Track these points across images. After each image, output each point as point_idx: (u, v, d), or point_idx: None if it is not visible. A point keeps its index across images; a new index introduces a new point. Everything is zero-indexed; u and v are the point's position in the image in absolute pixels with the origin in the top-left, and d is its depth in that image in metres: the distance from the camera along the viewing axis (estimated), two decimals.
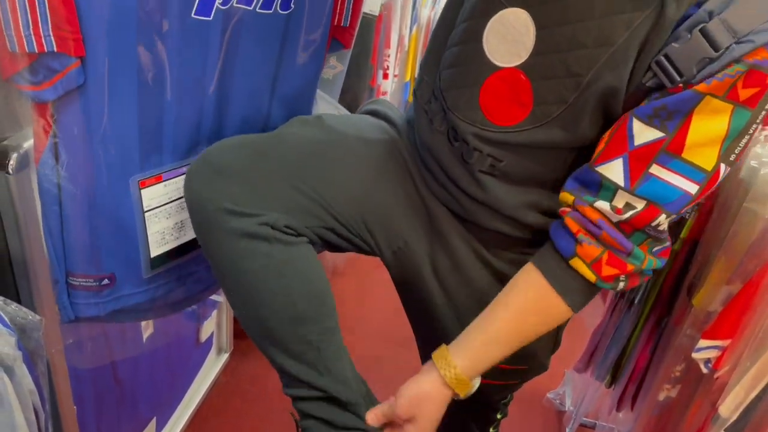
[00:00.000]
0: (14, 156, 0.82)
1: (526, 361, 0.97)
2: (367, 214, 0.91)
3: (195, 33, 0.86)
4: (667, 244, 0.80)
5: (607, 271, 0.77)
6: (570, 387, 1.91)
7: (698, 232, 1.17)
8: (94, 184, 0.86)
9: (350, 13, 1.07)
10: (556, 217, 0.82)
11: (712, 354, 1.05)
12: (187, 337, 1.68)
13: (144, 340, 1.37)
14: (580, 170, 0.79)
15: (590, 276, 0.78)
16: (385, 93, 2.01)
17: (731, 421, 1.00)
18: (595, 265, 0.78)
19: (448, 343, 0.85)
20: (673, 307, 1.24)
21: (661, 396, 1.24)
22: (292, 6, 0.95)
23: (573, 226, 0.78)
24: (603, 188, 0.76)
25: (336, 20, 1.05)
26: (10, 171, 0.82)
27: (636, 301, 1.35)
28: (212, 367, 1.87)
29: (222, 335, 1.89)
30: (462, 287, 0.93)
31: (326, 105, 1.21)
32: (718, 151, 0.70)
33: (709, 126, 0.69)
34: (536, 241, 0.86)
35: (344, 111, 1.25)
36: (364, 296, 2.35)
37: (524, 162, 0.83)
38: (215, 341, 1.87)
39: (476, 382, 0.85)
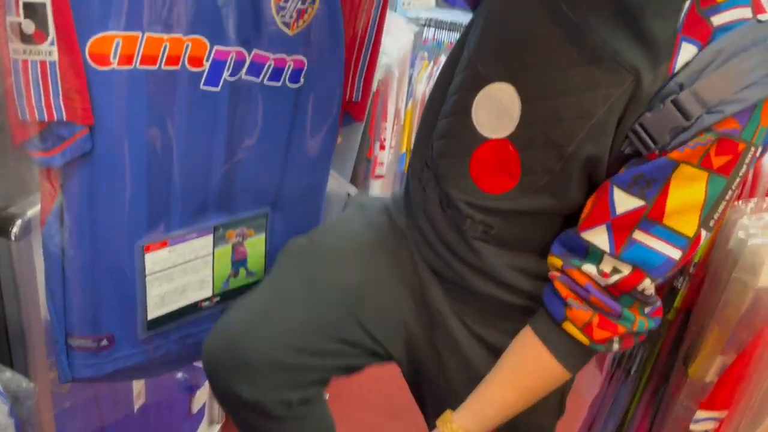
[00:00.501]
0: (18, 222, 0.84)
1: (532, 428, 0.97)
2: (362, 318, 0.95)
3: (203, 103, 0.89)
4: (658, 304, 0.82)
5: (599, 334, 0.79)
6: None
7: (691, 302, 1.18)
8: (98, 248, 0.88)
9: (361, 88, 1.07)
10: (549, 281, 0.84)
11: (710, 426, 1.04)
12: (178, 407, 1.65)
13: (135, 409, 1.34)
14: (565, 235, 0.81)
15: (583, 339, 0.80)
16: (381, 164, 2.06)
17: None
18: (586, 328, 0.79)
19: None
20: (670, 377, 1.23)
21: None
22: (302, 81, 0.97)
23: (563, 290, 0.80)
24: (590, 253, 0.78)
25: (348, 95, 1.06)
26: (13, 237, 0.84)
27: (633, 371, 1.34)
28: None
29: (214, 406, 1.86)
30: (462, 370, 0.94)
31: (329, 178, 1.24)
32: (698, 218, 0.73)
33: (687, 193, 0.72)
34: (530, 308, 0.87)
35: (345, 183, 1.28)
36: None
37: (515, 228, 0.85)
38: (207, 412, 1.84)
39: None
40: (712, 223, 0.74)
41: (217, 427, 1.88)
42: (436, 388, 0.99)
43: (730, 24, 0.72)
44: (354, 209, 1.08)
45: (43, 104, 0.78)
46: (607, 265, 0.76)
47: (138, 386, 1.31)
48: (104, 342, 0.95)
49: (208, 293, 1.08)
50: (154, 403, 1.42)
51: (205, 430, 1.85)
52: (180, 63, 0.85)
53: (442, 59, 0.94)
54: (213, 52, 0.87)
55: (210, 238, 1.03)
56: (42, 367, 0.92)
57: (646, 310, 0.80)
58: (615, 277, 0.76)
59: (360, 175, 1.99)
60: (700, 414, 1.03)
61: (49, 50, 0.76)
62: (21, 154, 0.82)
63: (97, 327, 0.94)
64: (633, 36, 0.73)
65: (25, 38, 0.75)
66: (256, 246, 1.11)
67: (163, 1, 0.81)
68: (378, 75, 1.87)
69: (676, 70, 0.72)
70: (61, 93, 0.78)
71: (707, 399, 1.03)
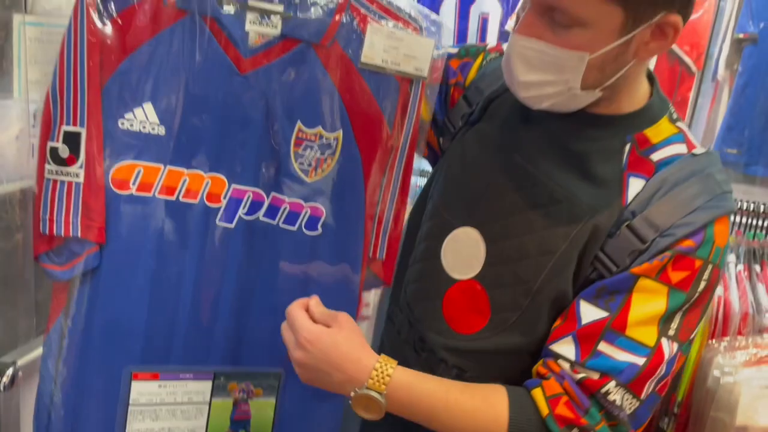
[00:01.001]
0: (8, 373, 0.87)
1: None
2: None
3: (217, 239, 0.92)
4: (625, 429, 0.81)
5: (562, 410, 0.79)
6: None
7: None
8: (87, 366, 0.89)
9: (386, 246, 1.03)
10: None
11: None
12: None
13: None
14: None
15: (543, 408, 0.79)
16: (367, 305, 1.99)
17: None
18: (552, 400, 0.79)
19: None
20: None
21: None
22: (320, 229, 0.97)
23: (542, 371, 0.82)
24: (558, 356, 0.81)
25: (372, 252, 1.03)
26: (2, 388, 0.87)
27: None
28: None
29: None
30: None
31: None
32: (658, 327, 0.77)
33: (648, 305, 0.77)
34: None
35: None
36: None
37: (489, 370, 0.86)
38: None
39: (382, 402, 0.79)
40: (672, 333, 0.78)
41: None
42: None
43: (669, 158, 0.82)
44: None
45: (62, 220, 0.85)
46: (578, 369, 0.79)
47: None
48: None
49: None
50: None
51: None
52: (198, 197, 0.91)
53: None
54: (231, 189, 0.92)
55: (208, 384, 0.99)
56: None
57: (613, 425, 0.79)
58: (582, 374, 0.78)
59: None
60: None
61: (77, 172, 0.85)
62: (11, 304, 0.87)
63: None
64: (584, 178, 0.82)
65: (59, 161, 0.85)
66: (263, 409, 1.04)
67: (188, 141, 0.89)
68: None
69: (629, 202, 0.80)
70: (80, 211, 0.86)
71: None
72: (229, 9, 0.87)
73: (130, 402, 0.93)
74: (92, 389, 0.89)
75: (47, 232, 0.84)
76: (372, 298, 2.05)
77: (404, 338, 0.94)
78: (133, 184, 0.87)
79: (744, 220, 1.83)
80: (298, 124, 0.92)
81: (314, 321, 0.82)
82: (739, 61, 2.24)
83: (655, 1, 0.74)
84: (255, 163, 0.92)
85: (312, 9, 0.89)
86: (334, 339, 0.80)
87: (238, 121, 0.90)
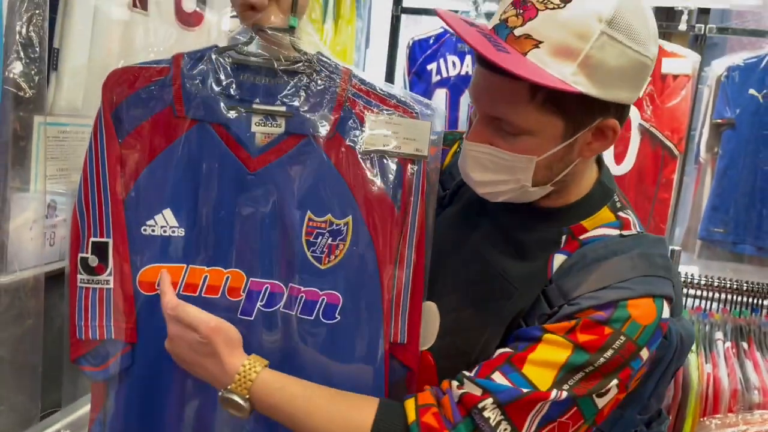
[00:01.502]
0: None
1: None
2: None
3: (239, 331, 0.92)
4: None
5: (429, 419, 0.81)
6: None
7: None
8: None
9: (406, 329, 0.99)
10: None
11: None
12: None
13: None
14: None
15: (411, 414, 0.82)
16: None
17: None
18: (422, 408, 0.83)
19: None
20: None
21: None
22: (338, 317, 0.96)
23: (425, 391, 0.86)
24: (458, 376, 0.85)
25: (393, 336, 1.00)
26: None
27: None
28: None
29: None
30: None
31: None
32: (554, 376, 0.79)
33: (550, 353, 0.80)
34: None
35: None
36: None
37: None
38: None
39: (244, 405, 0.81)
40: (567, 387, 0.79)
41: None
42: None
43: (595, 238, 0.88)
44: None
45: (96, 325, 0.90)
46: (464, 383, 0.83)
47: None
48: None
49: None
50: None
51: None
52: (219, 293, 0.94)
53: None
54: (249, 283, 0.95)
55: None
56: None
57: None
58: (464, 390, 0.82)
59: None
60: None
61: (107, 279, 0.90)
62: (18, 389, 0.91)
63: None
64: (518, 259, 0.90)
65: (90, 270, 0.90)
66: None
67: (206, 240, 0.94)
68: None
69: (552, 275, 0.87)
70: (112, 315, 0.90)
71: None
72: (235, 114, 0.93)
73: None
74: None
75: (83, 337, 0.89)
76: None
77: None
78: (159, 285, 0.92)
79: (730, 297, 1.87)
80: (308, 213, 0.95)
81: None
82: (719, 144, 2.33)
83: (592, 111, 0.81)
84: (270, 256, 0.95)
85: (312, 106, 0.95)
86: (190, 340, 0.83)
87: (252, 217, 0.94)
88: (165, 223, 0.93)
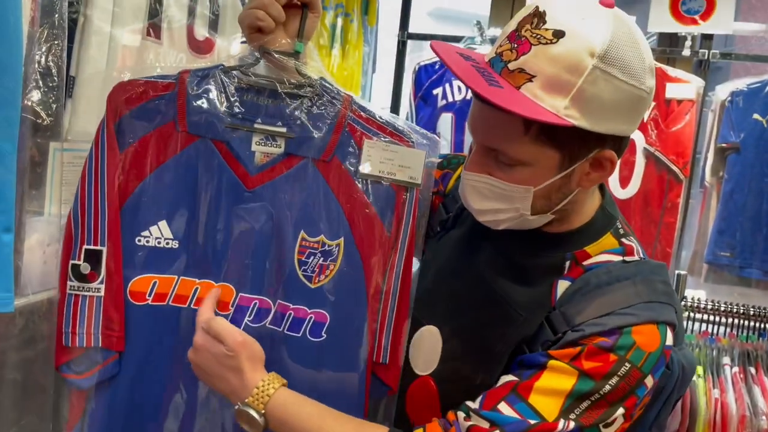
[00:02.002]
0: None
1: None
2: None
3: None
4: None
5: None
6: None
7: None
8: None
9: (389, 350, 1.02)
10: None
11: None
12: None
13: None
14: None
15: None
16: None
17: None
18: None
19: None
20: None
21: None
22: (324, 335, 0.99)
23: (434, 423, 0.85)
24: (462, 407, 0.85)
25: (376, 356, 1.02)
26: None
27: None
28: None
29: None
30: None
31: None
32: (561, 405, 0.79)
33: (556, 381, 0.80)
34: None
35: None
36: None
37: None
38: None
39: (259, 420, 0.83)
40: (574, 417, 0.79)
41: None
42: None
43: (598, 264, 0.88)
44: None
45: (84, 332, 0.91)
46: (471, 416, 0.83)
47: None
48: None
49: None
50: None
51: None
52: None
53: None
54: (238, 298, 0.97)
55: None
56: None
57: None
58: (472, 423, 0.82)
59: None
60: None
61: (98, 287, 0.92)
62: (29, 411, 0.92)
63: None
64: (522, 284, 0.90)
65: (81, 278, 0.91)
66: None
67: (200, 253, 0.96)
68: None
69: (556, 301, 0.87)
70: (101, 323, 0.91)
71: None
72: (236, 132, 0.96)
73: None
74: None
75: (70, 344, 0.90)
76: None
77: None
78: (149, 295, 0.93)
79: (737, 321, 1.86)
80: (302, 233, 0.97)
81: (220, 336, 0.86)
82: (724, 168, 2.33)
83: (587, 143, 0.82)
84: (260, 272, 0.97)
85: (312, 129, 0.98)
86: (216, 352, 0.85)
87: (245, 233, 0.97)
88: (160, 234, 0.95)
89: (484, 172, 0.85)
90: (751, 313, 1.85)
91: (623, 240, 0.92)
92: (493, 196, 0.86)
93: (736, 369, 1.76)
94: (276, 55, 0.96)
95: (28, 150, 0.87)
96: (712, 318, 1.89)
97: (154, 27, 1.20)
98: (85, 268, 0.91)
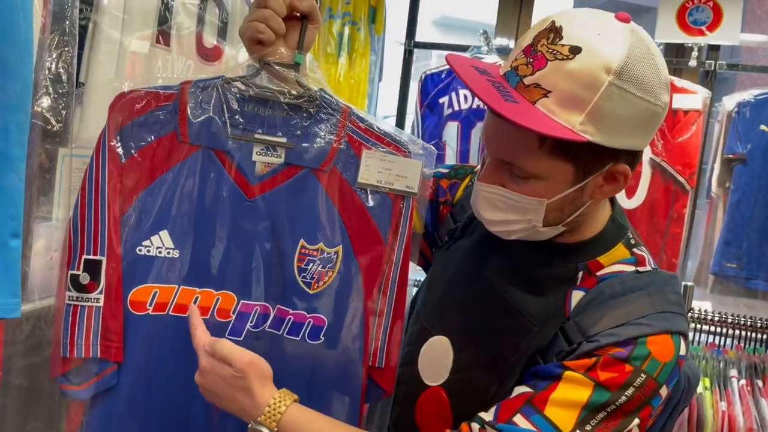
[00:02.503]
0: None
1: None
2: None
3: None
4: None
5: None
6: None
7: None
8: None
9: (385, 354, 1.04)
10: None
11: None
12: None
13: None
14: None
15: None
16: None
17: None
18: None
19: None
20: None
21: None
22: (322, 338, 1.01)
23: None
24: (476, 419, 0.84)
25: (372, 360, 1.05)
26: None
27: None
28: None
29: None
30: None
31: None
32: (576, 416, 0.79)
33: (571, 393, 0.80)
34: None
35: None
36: None
37: None
38: None
39: None
40: (588, 427, 0.79)
41: None
42: None
43: (611, 274, 0.88)
44: None
45: (82, 343, 0.91)
46: (486, 429, 0.82)
47: None
48: None
49: None
50: None
51: None
52: (209, 313, 0.97)
53: None
54: (239, 305, 0.98)
55: None
56: None
57: None
58: None
59: None
60: None
61: (98, 297, 0.92)
62: (33, 416, 0.92)
63: None
64: (535, 295, 0.90)
65: (80, 288, 0.91)
66: None
67: (200, 262, 0.96)
68: None
69: (570, 312, 0.87)
70: (100, 334, 0.91)
71: None
72: (237, 143, 0.97)
73: None
74: None
75: (68, 355, 0.90)
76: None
77: None
78: (150, 305, 0.94)
79: (744, 333, 1.85)
80: (301, 241, 0.99)
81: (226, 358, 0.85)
82: (730, 179, 2.33)
83: (602, 157, 0.82)
84: (261, 280, 0.98)
85: (312, 139, 0.99)
86: (224, 375, 0.84)
87: (246, 242, 0.97)
88: (161, 244, 0.95)
89: (497, 183, 0.86)
90: (759, 325, 1.84)
91: (635, 250, 0.92)
92: (506, 208, 0.86)
93: (743, 382, 1.74)
94: (276, 67, 0.97)
95: (37, 156, 0.87)
96: (718, 330, 1.88)
97: (163, 34, 1.20)
98: (84, 278, 0.91)
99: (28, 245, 0.89)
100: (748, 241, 2.26)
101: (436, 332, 0.97)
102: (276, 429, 0.83)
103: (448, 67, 2.37)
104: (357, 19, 2.44)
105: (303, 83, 0.98)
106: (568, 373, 0.81)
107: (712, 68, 2.22)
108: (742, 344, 1.86)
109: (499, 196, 0.86)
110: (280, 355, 0.99)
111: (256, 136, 0.98)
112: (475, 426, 0.83)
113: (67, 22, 0.87)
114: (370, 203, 1.01)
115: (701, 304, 2.00)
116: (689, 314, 1.88)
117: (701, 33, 2.24)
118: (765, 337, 1.84)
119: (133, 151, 0.94)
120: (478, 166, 1.11)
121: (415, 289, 1.17)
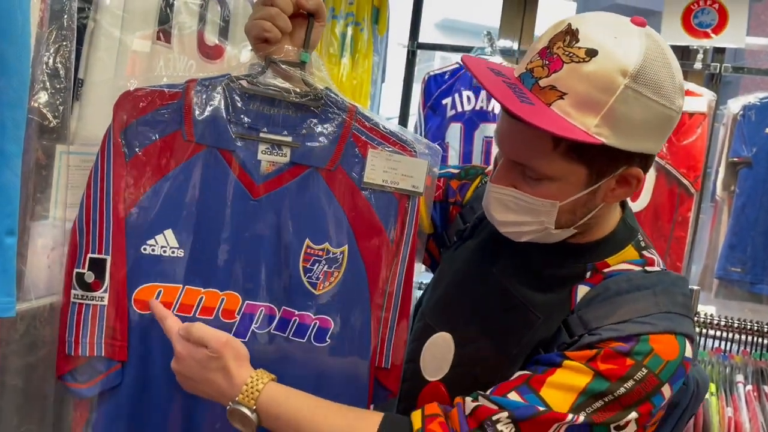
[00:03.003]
0: None
1: None
2: None
3: None
4: None
5: (435, 427, 0.82)
6: None
7: None
8: None
9: (391, 355, 1.04)
10: None
11: None
12: None
13: None
14: None
15: (417, 422, 0.83)
16: None
17: None
18: (429, 418, 0.83)
19: None
20: None
21: None
22: (328, 341, 1.00)
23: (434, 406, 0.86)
24: (473, 393, 0.85)
25: (378, 361, 1.04)
26: None
27: None
28: None
29: None
30: None
31: None
32: (573, 401, 0.79)
33: (570, 377, 0.80)
34: None
35: None
36: None
37: None
38: None
39: (251, 417, 0.83)
40: (584, 415, 0.79)
41: None
42: None
43: (618, 272, 0.88)
44: None
45: (87, 341, 0.90)
46: (479, 399, 0.83)
47: None
48: None
49: None
50: None
51: None
52: (214, 314, 0.96)
53: None
54: (244, 306, 0.97)
55: None
56: None
57: None
58: (479, 402, 0.82)
59: None
60: None
61: (102, 296, 0.91)
62: (30, 417, 0.91)
63: None
64: (541, 291, 0.90)
65: (85, 286, 0.91)
66: None
67: (205, 262, 0.95)
68: None
69: (576, 305, 0.87)
70: (104, 332, 0.91)
71: None
72: (243, 142, 0.96)
73: None
74: None
75: (72, 353, 0.89)
76: None
77: None
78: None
79: (750, 338, 1.84)
80: (307, 241, 0.98)
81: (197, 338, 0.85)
82: (735, 183, 2.32)
83: (615, 160, 0.82)
84: (267, 280, 0.97)
85: (318, 138, 0.98)
86: (200, 357, 0.84)
87: (251, 242, 0.97)
88: (166, 243, 0.94)
89: (510, 185, 0.86)
90: (765, 330, 1.82)
91: (644, 252, 0.92)
92: (518, 209, 0.86)
93: (749, 387, 1.73)
94: (282, 65, 0.96)
95: (34, 152, 0.86)
96: (724, 334, 1.86)
97: (164, 33, 1.19)
98: (89, 277, 0.91)
99: (24, 243, 0.87)
100: (753, 245, 2.26)
101: (439, 329, 0.98)
102: (255, 407, 0.83)
103: (451, 68, 2.38)
104: (360, 19, 2.43)
105: (309, 82, 0.98)
106: (568, 361, 0.81)
107: (718, 71, 2.21)
108: (748, 349, 1.84)
109: (512, 198, 0.86)
110: (286, 358, 0.98)
111: (262, 134, 0.97)
112: (468, 398, 0.84)
113: (66, 17, 0.86)
114: (376, 203, 1.00)
115: (705, 308, 1.99)
116: (695, 318, 1.86)
117: (706, 36, 2.23)
118: None
119: (137, 150, 0.93)
120: (489, 168, 1.11)
121: (419, 293, 1.16)
